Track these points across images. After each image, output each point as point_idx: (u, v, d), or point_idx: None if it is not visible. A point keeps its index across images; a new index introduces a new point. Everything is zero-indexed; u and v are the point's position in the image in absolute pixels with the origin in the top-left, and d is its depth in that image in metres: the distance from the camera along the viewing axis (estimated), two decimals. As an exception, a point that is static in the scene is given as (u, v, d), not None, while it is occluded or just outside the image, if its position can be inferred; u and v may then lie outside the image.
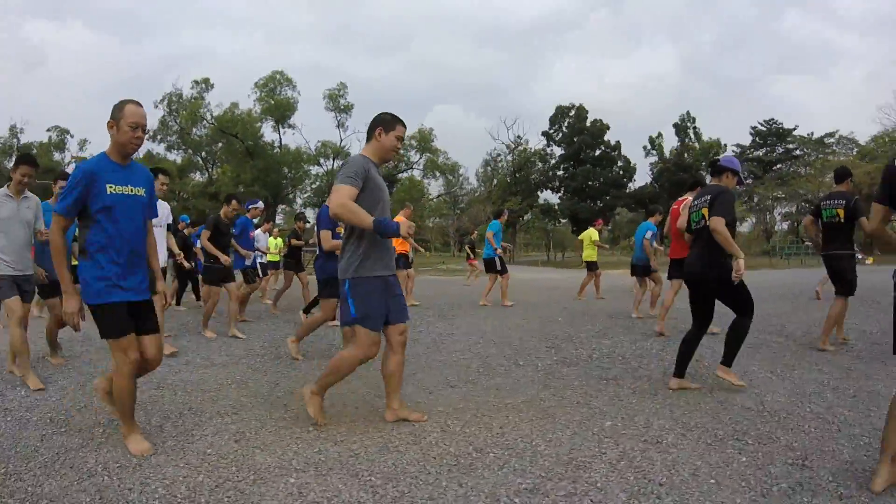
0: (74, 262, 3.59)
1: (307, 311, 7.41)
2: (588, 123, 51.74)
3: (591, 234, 11.47)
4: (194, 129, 46.61)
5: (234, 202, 6.99)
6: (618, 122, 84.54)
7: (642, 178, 54.41)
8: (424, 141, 49.59)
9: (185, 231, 10.07)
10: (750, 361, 4.99)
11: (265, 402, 3.91)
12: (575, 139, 51.45)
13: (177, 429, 3.36)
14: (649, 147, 54.12)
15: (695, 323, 4.26)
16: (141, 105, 3.07)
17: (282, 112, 46.50)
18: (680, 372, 4.23)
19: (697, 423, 3.39)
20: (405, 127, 3.47)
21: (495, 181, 55.02)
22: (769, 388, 4.21)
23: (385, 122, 3.40)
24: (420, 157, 50.54)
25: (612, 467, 2.73)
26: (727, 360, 4.12)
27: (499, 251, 10.05)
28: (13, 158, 46.35)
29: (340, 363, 3.36)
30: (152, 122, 42.68)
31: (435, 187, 53.98)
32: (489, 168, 56.25)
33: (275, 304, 9.30)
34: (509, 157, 54.53)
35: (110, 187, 2.94)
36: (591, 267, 11.31)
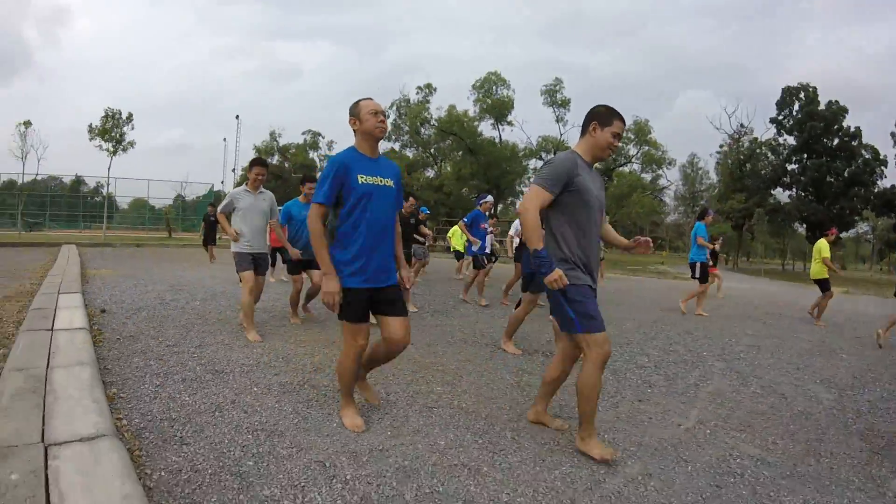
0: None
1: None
2: (822, 107, 44.10)
3: (821, 246, 9.75)
4: (422, 130, 50.46)
5: (411, 199, 8.19)
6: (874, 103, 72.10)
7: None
8: (641, 133, 47.81)
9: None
10: None
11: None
12: (804, 126, 43.79)
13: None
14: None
15: None
16: (373, 99, 3.24)
17: (499, 111, 48.35)
18: None
19: None
20: (623, 122, 3.09)
21: (705, 179, 50.87)
22: None
23: (600, 116, 3.07)
24: (637, 151, 48.85)
25: None
26: None
27: (713, 247, 9.67)
28: (273, 157, 55.84)
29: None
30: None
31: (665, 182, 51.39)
32: (694, 164, 51.74)
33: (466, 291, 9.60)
34: (734, 149, 49.91)
35: (361, 178, 3.08)
36: (822, 286, 9.62)
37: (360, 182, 3.06)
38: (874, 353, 6.91)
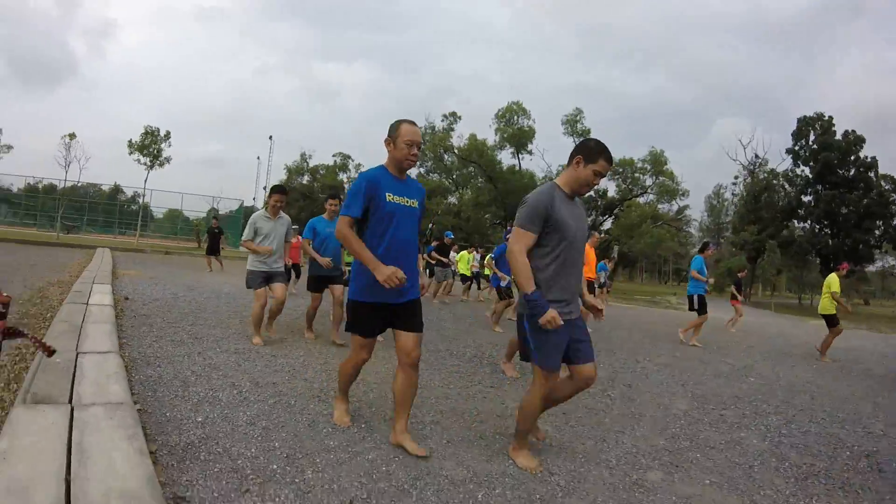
0: (348, 260, 6.02)
1: None
2: (838, 136, 44.24)
3: (831, 281, 9.59)
4: (445, 156, 52.50)
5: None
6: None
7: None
8: (657, 164, 48.94)
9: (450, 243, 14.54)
10: None
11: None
12: (819, 156, 43.86)
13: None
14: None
15: None
16: (415, 124, 3.26)
17: (518, 140, 50.04)
18: None
19: None
20: (610, 162, 3.07)
21: (730, 210, 51.36)
22: None
23: (587, 151, 3.08)
24: (653, 182, 49.95)
25: None
26: None
27: (709, 286, 9.82)
28: (303, 177, 58.38)
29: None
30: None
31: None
32: (720, 195, 52.13)
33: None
34: (748, 180, 50.64)
35: (389, 196, 3.17)
36: (830, 322, 9.53)
37: (387, 200, 3.16)
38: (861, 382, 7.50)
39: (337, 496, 2.55)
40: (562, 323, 2.93)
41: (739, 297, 14.42)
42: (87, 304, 6.27)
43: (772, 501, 3.16)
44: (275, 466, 2.78)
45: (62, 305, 6.13)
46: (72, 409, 2.77)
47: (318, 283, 6.55)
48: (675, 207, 52.00)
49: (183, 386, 3.96)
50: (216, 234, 16.96)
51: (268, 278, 5.96)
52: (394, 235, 3.18)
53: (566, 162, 3.19)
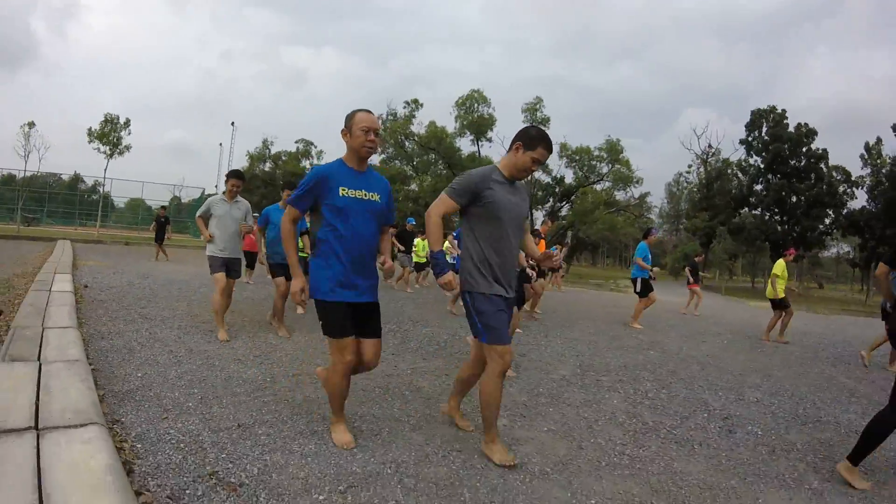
0: (304, 254, 5.71)
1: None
2: (791, 129, 46.34)
3: (779, 266, 10.11)
4: (406, 143, 53.10)
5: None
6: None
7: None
8: (613, 152, 50.50)
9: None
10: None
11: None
12: (771, 147, 45.82)
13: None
14: (866, 156, 46.58)
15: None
16: (371, 112, 3.24)
17: (478, 127, 51.11)
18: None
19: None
20: (549, 150, 3.17)
21: (683, 197, 53.33)
22: None
23: (527, 139, 3.18)
24: (609, 170, 51.50)
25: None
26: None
27: (653, 274, 10.27)
28: (265, 164, 58.69)
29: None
30: (373, 139, 50.81)
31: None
32: (679, 183, 54.08)
33: None
34: (701, 170, 52.71)
35: (343, 190, 3.14)
36: (775, 305, 10.04)
37: (341, 195, 3.13)
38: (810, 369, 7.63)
39: (232, 422, 3.62)
40: (455, 288, 3.21)
41: (696, 281, 14.86)
42: (49, 290, 7.21)
43: (600, 448, 3.67)
44: (190, 404, 3.84)
45: (27, 293, 7.06)
46: (39, 365, 3.78)
47: (282, 268, 6.58)
48: (632, 195, 53.70)
49: (129, 352, 5.00)
50: (163, 223, 17.87)
51: (226, 265, 6.05)
52: (348, 230, 3.14)
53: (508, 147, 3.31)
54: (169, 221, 18.67)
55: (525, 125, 3.03)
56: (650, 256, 10.44)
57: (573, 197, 51.70)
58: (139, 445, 3.03)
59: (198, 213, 6.19)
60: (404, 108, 53.30)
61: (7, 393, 3.17)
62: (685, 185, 61.18)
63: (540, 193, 53.07)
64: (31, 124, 44.55)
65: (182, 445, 3.11)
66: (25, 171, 44.78)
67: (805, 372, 7.33)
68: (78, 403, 3.14)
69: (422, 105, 53.51)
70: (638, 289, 10.28)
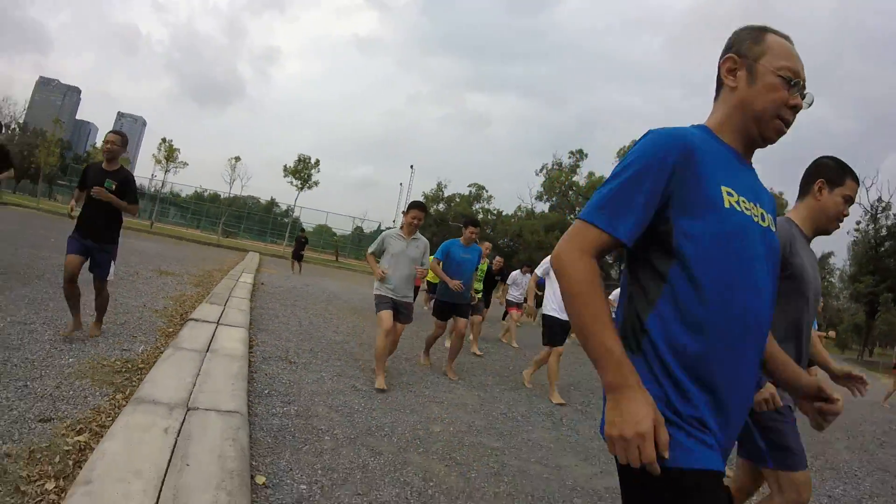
0: (478, 287, 7.62)
1: None
2: None
3: None
4: (570, 193, 53.93)
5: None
6: None
7: None
8: (779, 207, 47.09)
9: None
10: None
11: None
12: None
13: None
14: None
15: None
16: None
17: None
18: None
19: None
20: (858, 183, 2.29)
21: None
22: None
23: (829, 172, 2.28)
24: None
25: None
26: None
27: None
28: (439, 204, 62.52)
29: None
30: (536, 187, 53.14)
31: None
32: (853, 241, 47.96)
33: None
34: (870, 227, 44.94)
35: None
36: None
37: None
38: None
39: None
40: (781, 404, 2.07)
41: None
42: (237, 280, 9.89)
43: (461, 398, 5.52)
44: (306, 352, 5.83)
45: (222, 280, 9.79)
46: (216, 325, 5.94)
47: (444, 310, 6.17)
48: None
49: (277, 318, 7.28)
50: (303, 242, 20.05)
51: (395, 306, 5.29)
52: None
53: (798, 194, 2.37)
54: (308, 242, 20.35)
55: (822, 160, 2.30)
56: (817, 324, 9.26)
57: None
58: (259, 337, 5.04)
59: (370, 249, 5.51)
60: (569, 157, 54.37)
61: (195, 339, 5.37)
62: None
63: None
64: (238, 158, 52.77)
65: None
66: (230, 193, 52.67)
67: None
68: (234, 352, 5.26)
69: (586, 155, 54.30)
70: None
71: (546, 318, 5.90)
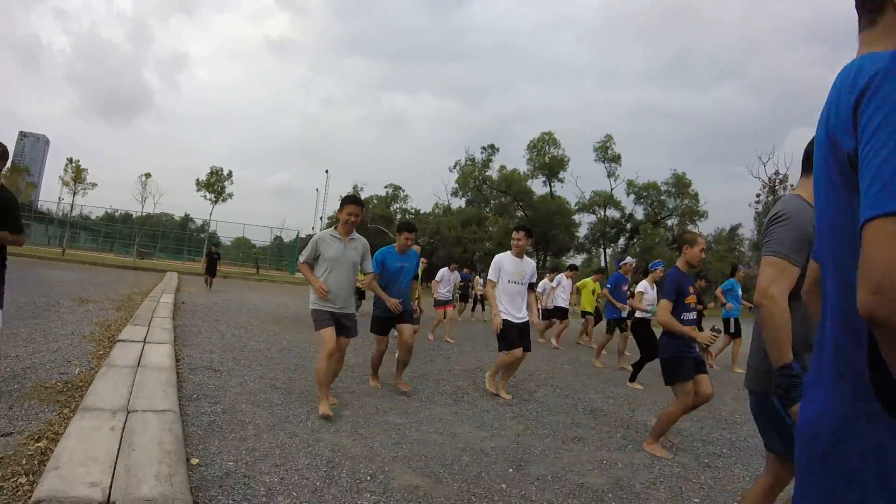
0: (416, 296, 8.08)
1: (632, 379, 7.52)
2: None
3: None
4: (484, 186, 55.09)
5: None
6: None
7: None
8: (681, 186, 50.56)
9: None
10: None
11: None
12: None
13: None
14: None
15: None
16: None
17: (551, 169, 52.96)
18: None
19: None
20: None
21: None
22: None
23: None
24: (676, 203, 51.90)
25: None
26: None
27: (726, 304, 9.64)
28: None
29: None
30: (451, 184, 54.79)
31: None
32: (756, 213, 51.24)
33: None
34: (769, 199, 48.75)
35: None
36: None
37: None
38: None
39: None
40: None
41: None
42: (158, 301, 10.20)
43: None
44: (230, 365, 6.38)
45: (143, 302, 10.08)
46: (143, 343, 6.38)
47: (383, 324, 5.73)
48: (741, 226, 52.84)
49: (200, 334, 7.74)
50: (215, 258, 19.44)
51: (337, 320, 4.73)
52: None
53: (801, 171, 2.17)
54: (220, 257, 20.21)
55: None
56: (740, 294, 9.76)
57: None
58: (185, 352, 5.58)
59: (301, 258, 4.87)
60: (482, 152, 55.40)
61: (127, 356, 5.85)
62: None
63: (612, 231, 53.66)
64: (148, 175, 51.32)
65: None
66: (142, 212, 51.05)
67: None
68: (162, 358, 5.76)
69: (498, 149, 55.49)
70: (732, 329, 9.78)
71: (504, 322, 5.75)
